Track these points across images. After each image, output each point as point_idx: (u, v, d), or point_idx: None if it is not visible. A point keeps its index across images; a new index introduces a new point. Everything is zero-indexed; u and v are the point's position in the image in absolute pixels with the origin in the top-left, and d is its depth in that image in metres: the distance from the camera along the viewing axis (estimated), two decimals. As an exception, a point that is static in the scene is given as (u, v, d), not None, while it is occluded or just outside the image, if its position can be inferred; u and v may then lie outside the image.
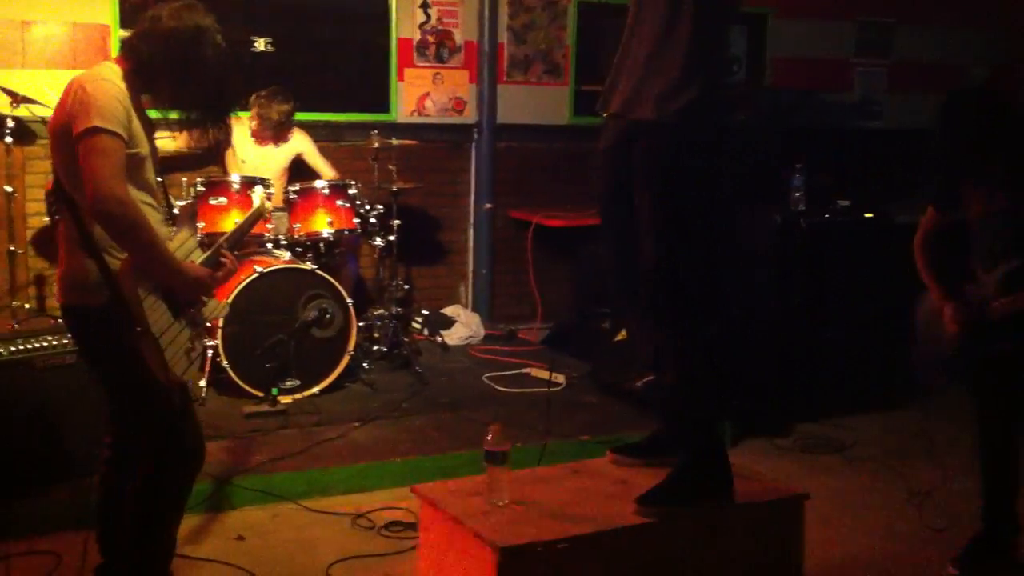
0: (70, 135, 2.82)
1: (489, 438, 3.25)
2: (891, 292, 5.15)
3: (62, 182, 2.94)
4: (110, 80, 2.90)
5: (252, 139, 5.91)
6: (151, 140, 3.03)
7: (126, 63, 2.97)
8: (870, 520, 4.26)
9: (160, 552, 3.19)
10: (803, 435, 5.24)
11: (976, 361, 3.61)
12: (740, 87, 7.44)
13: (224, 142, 5.48)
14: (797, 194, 5.70)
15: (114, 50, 5.99)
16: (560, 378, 5.63)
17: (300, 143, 6.07)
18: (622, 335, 5.56)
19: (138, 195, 2.91)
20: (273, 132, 5.89)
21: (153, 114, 3.06)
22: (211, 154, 5.88)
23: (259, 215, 3.74)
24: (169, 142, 5.38)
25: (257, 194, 3.81)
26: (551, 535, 3.04)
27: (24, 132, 5.67)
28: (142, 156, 2.94)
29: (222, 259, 3.20)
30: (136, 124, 2.92)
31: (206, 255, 3.17)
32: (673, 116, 3.14)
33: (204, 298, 3.15)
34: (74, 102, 2.84)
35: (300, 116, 6.18)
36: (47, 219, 5.90)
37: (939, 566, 3.75)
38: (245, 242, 4.99)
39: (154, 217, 2.98)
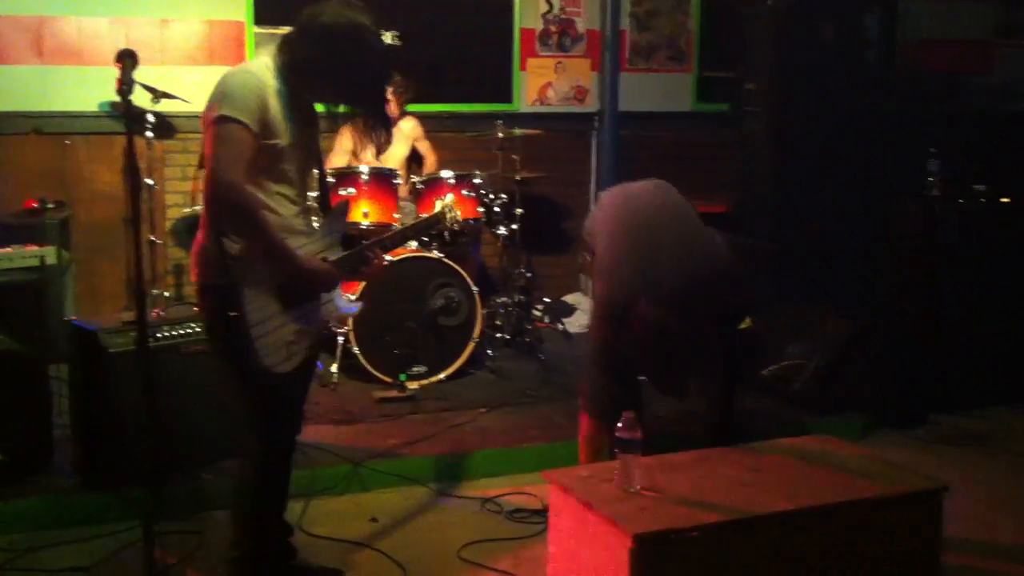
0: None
1: (621, 425, 3.25)
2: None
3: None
4: (251, 72, 2.90)
5: None
6: (304, 133, 3.00)
7: (281, 58, 2.96)
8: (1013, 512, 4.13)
9: (267, 533, 3.19)
10: (940, 426, 5.07)
11: None
12: (874, 70, 7.20)
13: (387, 139, 5.59)
14: (930, 180, 5.53)
15: (249, 46, 6.18)
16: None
17: (413, 129, 6.18)
18: (747, 323, 5.46)
19: (274, 186, 2.92)
20: (400, 111, 6.05)
21: (320, 108, 3.07)
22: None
23: (436, 221, 3.71)
24: None
25: (445, 203, 3.55)
26: (685, 523, 3.03)
27: (164, 127, 5.85)
28: (279, 147, 2.91)
29: (368, 257, 3.15)
30: (274, 115, 2.88)
31: (347, 252, 3.13)
32: None
33: (327, 295, 3.10)
34: (214, 92, 2.87)
35: (425, 107, 6.27)
36: (185, 210, 6.13)
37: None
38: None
39: (288, 209, 2.98)
